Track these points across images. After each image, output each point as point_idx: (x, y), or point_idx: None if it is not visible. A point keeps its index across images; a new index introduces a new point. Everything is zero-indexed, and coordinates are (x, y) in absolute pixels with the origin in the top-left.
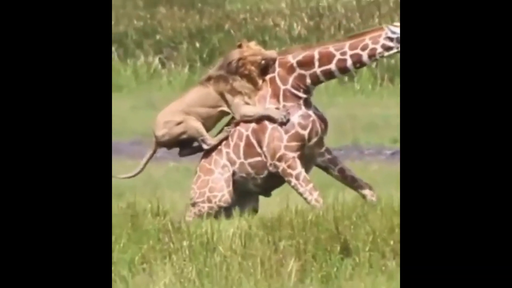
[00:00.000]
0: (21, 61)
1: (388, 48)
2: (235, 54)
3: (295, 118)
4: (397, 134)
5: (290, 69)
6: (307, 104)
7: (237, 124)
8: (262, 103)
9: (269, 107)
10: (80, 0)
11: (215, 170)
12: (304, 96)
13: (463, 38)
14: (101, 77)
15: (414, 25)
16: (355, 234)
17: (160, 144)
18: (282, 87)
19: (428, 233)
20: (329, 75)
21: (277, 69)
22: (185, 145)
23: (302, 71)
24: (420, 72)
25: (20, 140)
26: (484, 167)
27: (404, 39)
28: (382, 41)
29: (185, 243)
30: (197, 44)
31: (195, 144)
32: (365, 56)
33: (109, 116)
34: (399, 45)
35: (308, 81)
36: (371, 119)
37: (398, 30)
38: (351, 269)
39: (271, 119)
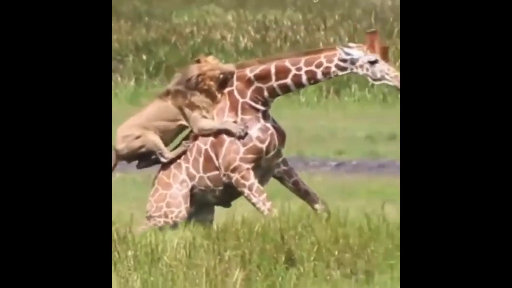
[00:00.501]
0: (18, 62)
1: (342, 68)
2: (194, 70)
3: (254, 131)
4: (341, 146)
5: (248, 83)
6: (266, 116)
7: (195, 138)
8: (220, 116)
9: (227, 120)
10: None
11: (173, 185)
12: (262, 108)
13: (462, 42)
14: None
15: (413, 29)
16: (300, 244)
17: (120, 157)
18: (241, 100)
19: (428, 243)
20: (285, 89)
21: (235, 82)
22: (144, 158)
23: (260, 84)
24: (419, 79)
25: (19, 146)
26: (482, 174)
27: (403, 41)
28: (336, 61)
29: (130, 253)
30: (144, 57)
31: (153, 156)
32: (319, 73)
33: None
34: (353, 66)
35: (266, 94)
36: (316, 131)
37: (352, 52)
38: (295, 279)
39: (229, 133)
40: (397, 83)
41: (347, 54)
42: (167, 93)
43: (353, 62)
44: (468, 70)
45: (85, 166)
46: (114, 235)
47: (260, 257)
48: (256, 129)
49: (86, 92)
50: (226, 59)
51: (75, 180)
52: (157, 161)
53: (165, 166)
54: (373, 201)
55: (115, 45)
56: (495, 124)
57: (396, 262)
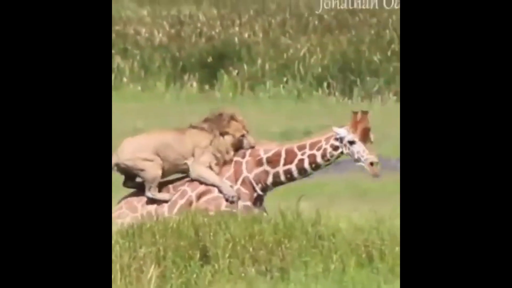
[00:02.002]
0: (18, 63)
1: (336, 148)
2: (229, 110)
3: (240, 203)
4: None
5: (258, 163)
6: (258, 202)
7: (187, 182)
8: (220, 177)
9: (226, 181)
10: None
11: (139, 211)
12: (259, 192)
13: (461, 42)
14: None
15: (413, 31)
16: (214, 241)
17: (116, 166)
18: (245, 174)
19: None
20: (289, 175)
21: (247, 157)
22: (134, 179)
23: (268, 168)
24: (418, 82)
25: (18, 144)
26: (482, 174)
27: (403, 42)
28: (331, 141)
29: None
30: None
31: (140, 182)
32: (318, 156)
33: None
34: (345, 147)
35: (270, 179)
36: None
37: (340, 131)
38: (210, 276)
39: (221, 192)
40: (368, 168)
41: (337, 133)
42: (193, 127)
43: (341, 140)
44: (468, 69)
45: (85, 164)
46: None
47: (174, 254)
48: (243, 205)
49: (85, 92)
50: (141, 54)
51: (74, 175)
52: (141, 188)
53: (140, 194)
54: (288, 197)
55: None
56: (495, 124)
57: (310, 259)
